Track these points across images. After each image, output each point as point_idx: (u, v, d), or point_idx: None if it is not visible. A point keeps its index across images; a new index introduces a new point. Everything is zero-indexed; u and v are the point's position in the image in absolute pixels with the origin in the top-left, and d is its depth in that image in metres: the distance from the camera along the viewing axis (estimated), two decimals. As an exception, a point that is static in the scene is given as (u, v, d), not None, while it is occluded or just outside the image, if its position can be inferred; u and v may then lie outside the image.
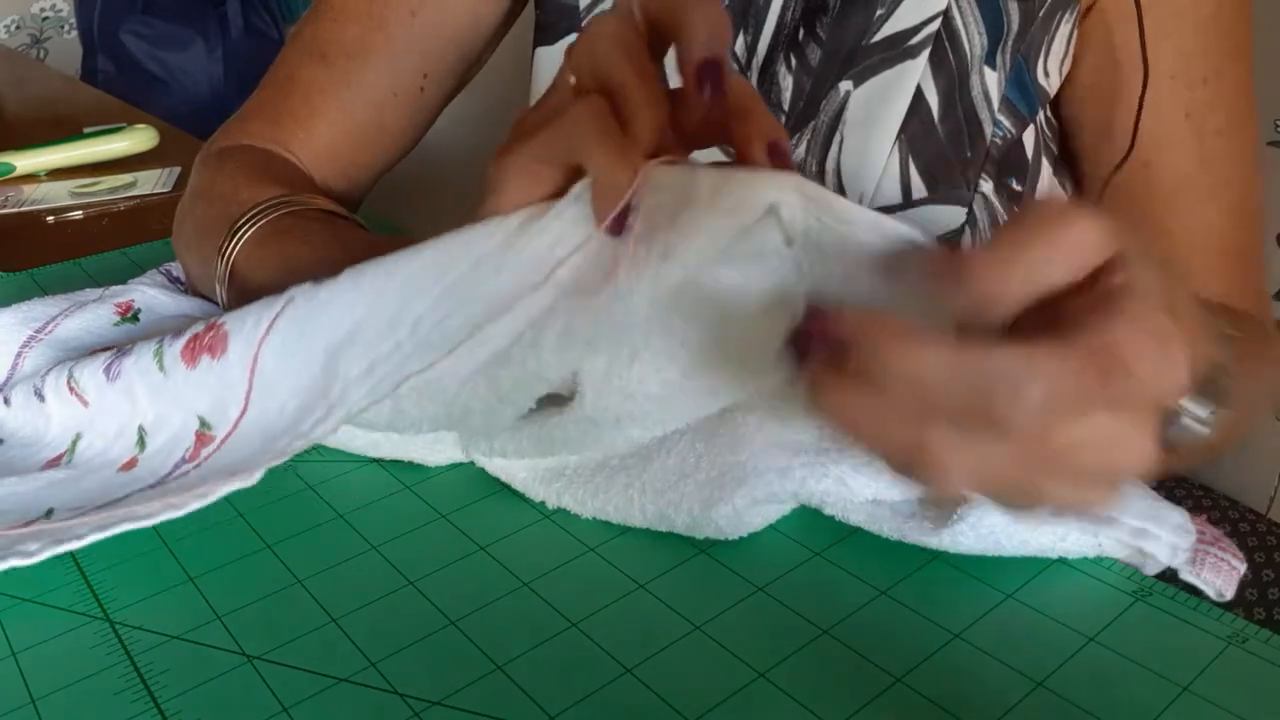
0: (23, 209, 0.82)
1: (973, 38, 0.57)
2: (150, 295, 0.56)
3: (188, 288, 0.59)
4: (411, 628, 0.37)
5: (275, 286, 0.42)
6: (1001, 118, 0.59)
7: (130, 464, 0.43)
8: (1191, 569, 0.37)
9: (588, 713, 0.33)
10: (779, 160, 0.35)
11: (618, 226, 0.36)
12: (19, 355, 0.51)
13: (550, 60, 0.67)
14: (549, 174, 0.38)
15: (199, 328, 0.43)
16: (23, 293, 0.59)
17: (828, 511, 0.41)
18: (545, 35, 0.67)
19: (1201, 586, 0.37)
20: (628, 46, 0.37)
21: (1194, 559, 0.37)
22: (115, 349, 0.45)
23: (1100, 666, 0.34)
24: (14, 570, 0.37)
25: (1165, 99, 0.58)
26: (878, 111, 0.58)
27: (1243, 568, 0.38)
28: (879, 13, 0.58)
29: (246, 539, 0.41)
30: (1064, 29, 0.59)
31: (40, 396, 0.46)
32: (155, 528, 0.41)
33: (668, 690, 0.34)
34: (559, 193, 0.39)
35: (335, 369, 0.40)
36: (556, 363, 0.37)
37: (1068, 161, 0.66)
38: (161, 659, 0.36)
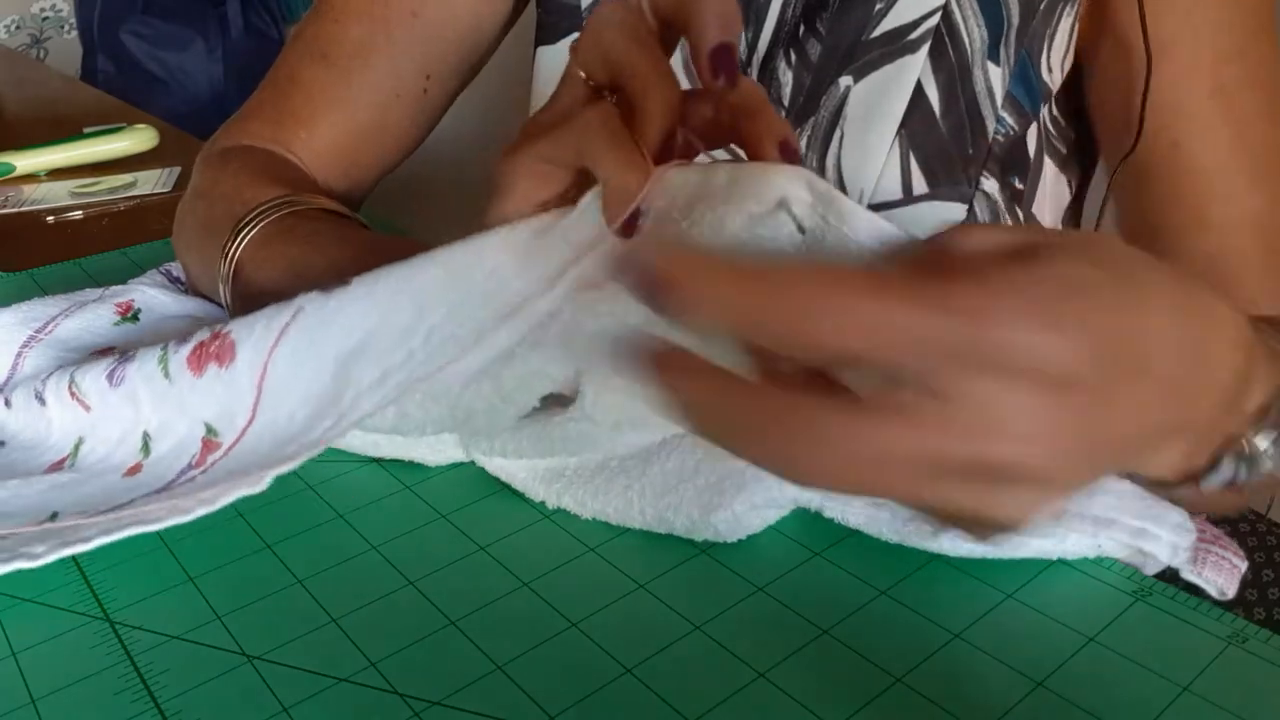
0: (23, 209, 0.82)
1: (972, 32, 0.57)
2: (150, 295, 0.56)
3: (188, 287, 0.59)
4: (411, 628, 0.37)
5: (279, 286, 0.42)
6: (1004, 114, 0.59)
7: (135, 469, 0.43)
8: (1193, 568, 0.37)
9: (588, 713, 0.33)
10: (790, 158, 0.36)
11: (630, 228, 0.36)
12: (19, 355, 0.51)
13: (552, 59, 0.67)
14: (557, 175, 0.38)
15: (204, 335, 0.43)
16: (23, 293, 0.59)
17: (827, 515, 0.41)
18: (547, 34, 0.67)
19: (1204, 585, 0.37)
20: (637, 34, 0.37)
21: (1195, 558, 0.37)
22: (117, 354, 0.45)
23: (1100, 666, 0.34)
24: (15, 570, 0.37)
25: (1187, 77, 0.56)
26: (878, 107, 0.58)
27: (1244, 565, 0.38)
28: (878, 7, 0.58)
29: (246, 539, 0.41)
30: (1065, 23, 0.58)
31: (41, 400, 0.46)
32: (155, 528, 0.41)
33: (668, 690, 0.34)
34: (567, 194, 0.39)
35: (347, 377, 0.40)
36: (560, 358, 0.37)
37: (1093, 156, 0.66)
38: (161, 659, 0.36)
